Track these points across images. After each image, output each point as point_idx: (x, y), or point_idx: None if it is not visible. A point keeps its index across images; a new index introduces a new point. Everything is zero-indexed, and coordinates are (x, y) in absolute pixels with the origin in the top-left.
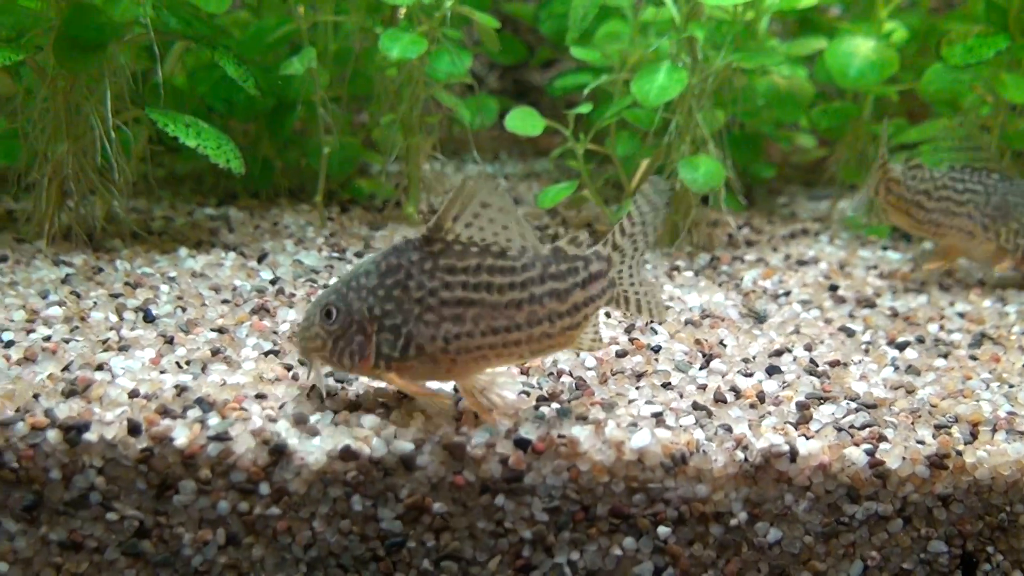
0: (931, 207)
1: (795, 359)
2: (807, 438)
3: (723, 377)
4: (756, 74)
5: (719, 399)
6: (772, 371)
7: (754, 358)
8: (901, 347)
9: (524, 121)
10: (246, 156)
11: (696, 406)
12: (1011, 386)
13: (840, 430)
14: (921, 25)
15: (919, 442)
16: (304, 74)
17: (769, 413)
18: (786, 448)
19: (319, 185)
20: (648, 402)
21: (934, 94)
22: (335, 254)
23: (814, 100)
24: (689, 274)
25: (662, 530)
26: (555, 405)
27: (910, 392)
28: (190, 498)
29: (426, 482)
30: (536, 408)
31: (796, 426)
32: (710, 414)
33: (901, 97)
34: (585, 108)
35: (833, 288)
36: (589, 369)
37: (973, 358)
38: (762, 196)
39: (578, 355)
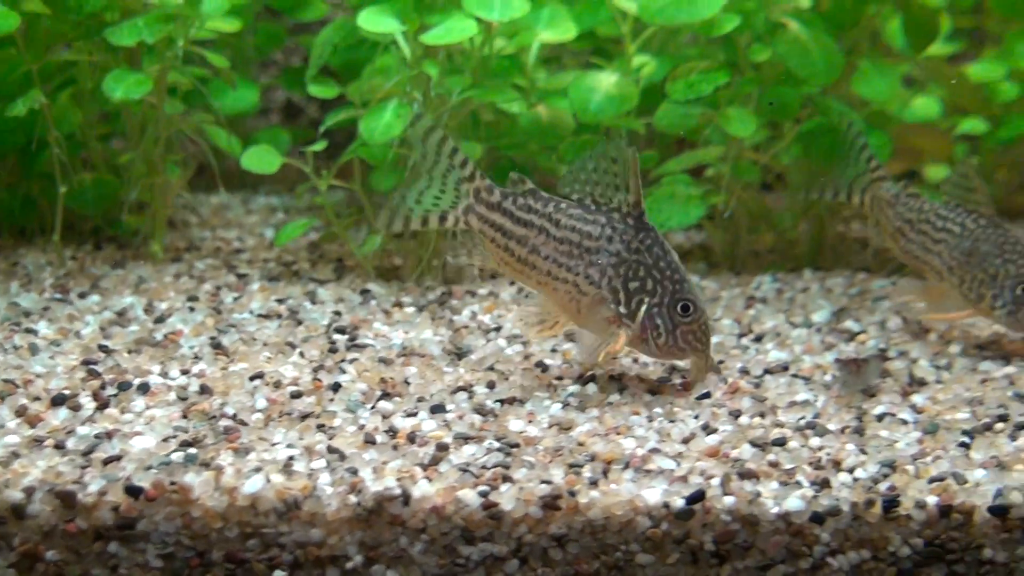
0: (911, 238)
1: (471, 397)
2: (429, 480)
3: (385, 418)
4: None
5: (368, 440)
6: (436, 410)
7: (431, 396)
8: (586, 381)
9: (260, 159)
10: (8, 193)
11: (331, 449)
12: (671, 421)
13: (465, 471)
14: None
15: (546, 482)
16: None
17: (406, 455)
18: (398, 492)
19: (56, 223)
20: (289, 445)
21: (667, 128)
22: (58, 295)
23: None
24: (411, 309)
25: (278, 574)
26: (192, 450)
27: (565, 430)
28: None
29: (38, 530)
30: (170, 454)
31: (425, 468)
32: (343, 457)
33: None
34: (320, 146)
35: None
36: (258, 411)
37: (653, 392)
38: None
39: (253, 394)
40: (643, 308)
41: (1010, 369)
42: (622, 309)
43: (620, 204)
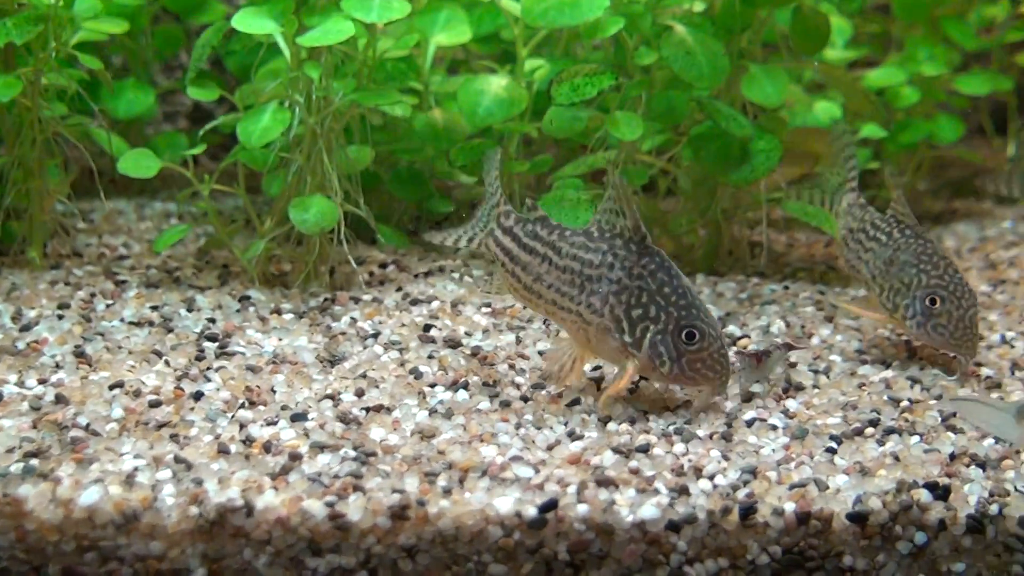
0: (851, 247)
1: (336, 405)
2: (276, 491)
3: (243, 427)
4: (417, 110)
5: (222, 450)
6: (297, 419)
7: (295, 405)
8: (458, 388)
9: (138, 163)
10: None
11: (178, 460)
12: (538, 428)
13: (315, 481)
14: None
15: (398, 491)
16: None
17: (256, 465)
18: (241, 503)
19: None
20: (137, 456)
21: (555, 132)
22: None
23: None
24: (290, 316)
25: None
26: (34, 462)
27: (428, 437)
28: None
29: None
30: (9, 466)
31: (274, 478)
32: (190, 467)
33: None
34: (198, 149)
35: (427, 328)
36: (113, 421)
37: (525, 399)
38: (437, 232)
39: (110, 403)
40: (648, 336)
41: (888, 373)
42: (627, 338)
43: (622, 230)
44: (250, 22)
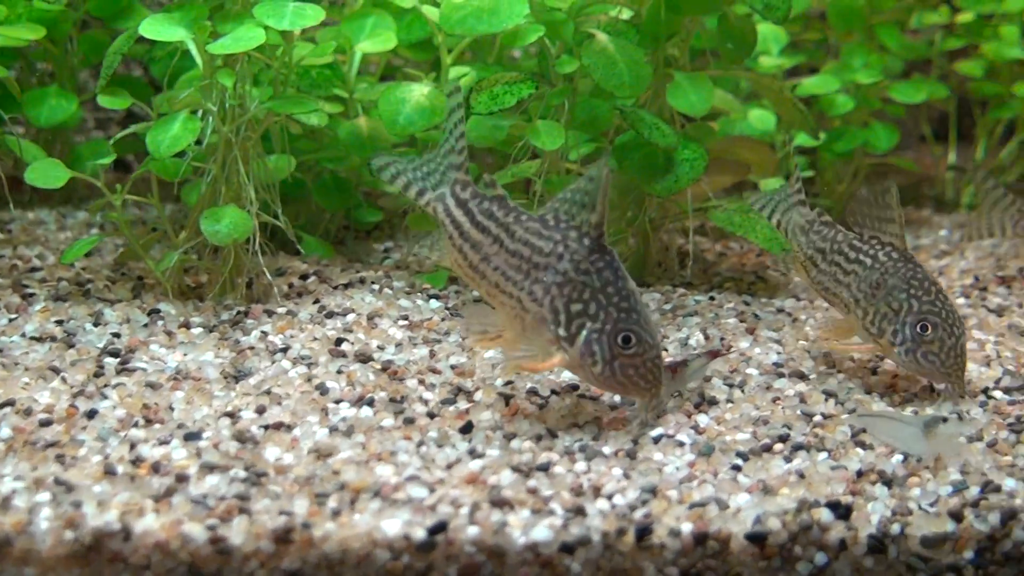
0: (823, 268)
1: (234, 423)
2: (157, 514)
3: (133, 447)
4: (339, 118)
5: (108, 471)
6: (191, 438)
7: (192, 423)
8: (363, 404)
9: (45, 173)
10: None
11: (59, 482)
12: (440, 446)
13: (199, 504)
14: None
15: (285, 513)
16: None
17: (141, 487)
18: (118, 527)
19: None
20: (18, 478)
21: (477, 141)
22: None
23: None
24: (198, 330)
25: None
26: None
27: (325, 457)
28: None
29: None
30: None
31: (157, 500)
32: (71, 489)
33: None
34: (108, 159)
35: (339, 342)
36: (0, 441)
37: (431, 415)
38: (364, 242)
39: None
40: (583, 333)
41: (804, 387)
42: (561, 331)
43: (582, 223)
44: (159, 29)
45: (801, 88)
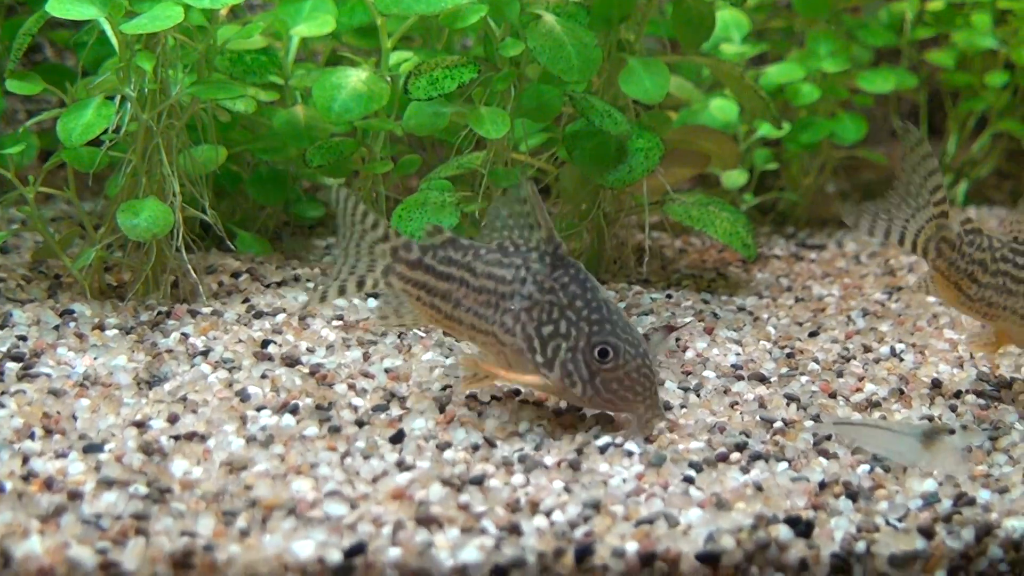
0: (984, 283)
1: (142, 433)
2: (42, 536)
3: (25, 461)
4: (275, 106)
5: None
6: (91, 450)
7: (96, 433)
8: (286, 412)
9: None
10: None
11: None
12: (366, 457)
13: (90, 524)
14: None
15: (188, 534)
16: None
17: (28, 505)
18: None
19: None
20: None
21: (415, 129)
22: None
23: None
24: (113, 332)
25: None
26: None
27: (238, 470)
28: None
29: None
30: None
31: (44, 521)
32: None
33: None
34: (15, 148)
35: (265, 344)
36: None
37: (360, 423)
38: (304, 238)
39: None
40: (559, 355)
41: (764, 390)
42: (539, 358)
43: (537, 243)
44: (68, 7)
45: (765, 77)
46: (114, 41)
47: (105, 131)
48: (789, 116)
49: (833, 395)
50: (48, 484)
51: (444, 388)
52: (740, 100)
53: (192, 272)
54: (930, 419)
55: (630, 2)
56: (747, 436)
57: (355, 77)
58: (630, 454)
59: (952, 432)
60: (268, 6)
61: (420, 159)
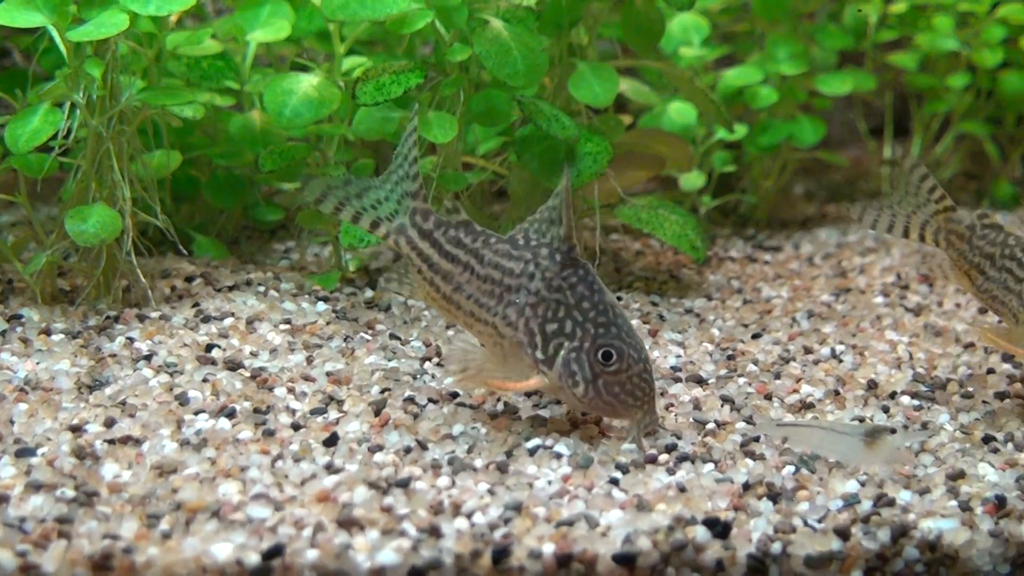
0: (991, 275)
1: (77, 437)
2: None
3: None
4: (227, 111)
5: None
6: (23, 454)
7: (32, 438)
8: (223, 415)
9: None
10: None
11: None
12: (297, 460)
13: (13, 527)
14: None
15: (111, 537)
16: None
17: None
18: None
19: None
20: None
21: (365, 134)
22: None
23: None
24: (59, 337)
25: None
26: None
27: (167, 473)
28: None
29: None
30: None
31: None
32: None
33: None
34: None
35: (209, 348)
36: None
37: (296, 427)
38: (263, 242)
39: None
40: (561, 353)
41: (699, 392)
42: (539, 354)
43: (552, 239)
44: (14, 14)
45: (724, 80)
46: (62, 48)
47: (54, 136)
48: (750, 119)
49: (768, 396)
50: None
51: (383, 391)
52: (692, 103)
53: (141, 277)
54: (861, 420)
55: (579, 7)
56: (678, 438)
57: (307, 82)
58: (559, 456)
59: (894, 432)
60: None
61: (373, 163)
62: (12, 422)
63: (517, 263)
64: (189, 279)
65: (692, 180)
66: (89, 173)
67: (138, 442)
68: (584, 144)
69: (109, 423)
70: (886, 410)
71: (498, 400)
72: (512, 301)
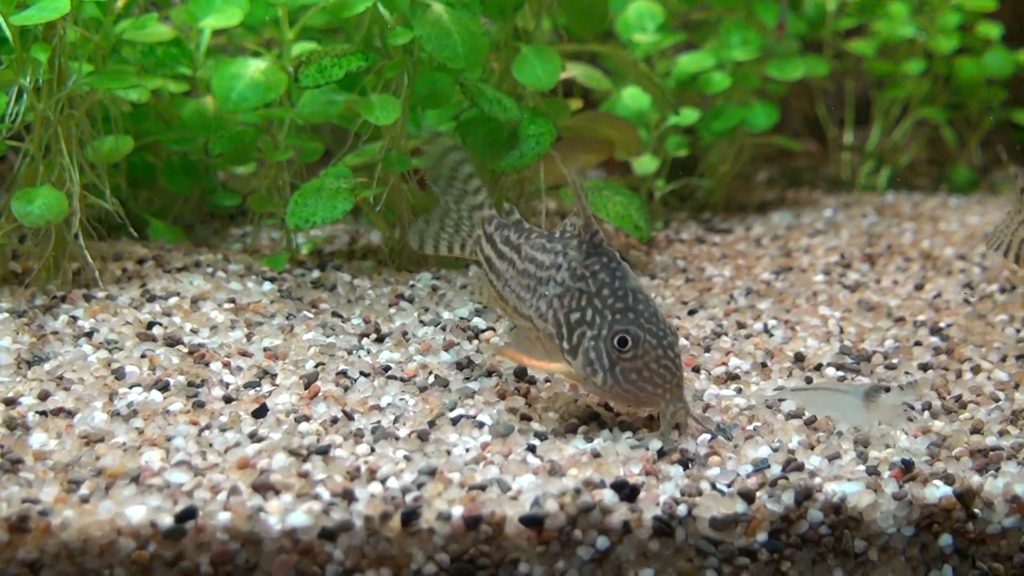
0: None
1: (9, 408)
2: None
3: None
4: (182, 97)
5: None
6: None
7: None
8: (157, 388)
9: None
10: None
11: None
12: (224, 430)
13: None
14: None
15: (30, 501)
16: None
17: None
18: None
19: None
20: None
21: (309, 117)
22: None
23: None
24: (3, 316)
25: None
26: None
27: (94, 442)
28: None
29: None
30: None
31: None
32: None
33: None
34: None
35: (150, 326)
36: None
37: (228, 399)
38: (221, 227)
39: None
40: (583, 343)
41: None
42: (565, 344)
43: (578, 230)
44: None
45: (678, 66)
46: (7, 32)
47: (1, 120)
48: (706, 104)
49: (696, 369)
50: None
51: (317, 365)
52: (639, 87)
53: (90, 259)
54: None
55: None
56: (605, 408)
57: (254, 67)
58: (481, 425)
59: (888, 390)
60: None
61: (322, 147)
62: None
63: (548, 255)
64: (141, 261)
65: (645, 164)
66: (37, 157)
67: (70, 414)
68: (527, 126)
69: (43, 396)
70: (809, 381)
71: (430, 373)
72: (543, 293)
